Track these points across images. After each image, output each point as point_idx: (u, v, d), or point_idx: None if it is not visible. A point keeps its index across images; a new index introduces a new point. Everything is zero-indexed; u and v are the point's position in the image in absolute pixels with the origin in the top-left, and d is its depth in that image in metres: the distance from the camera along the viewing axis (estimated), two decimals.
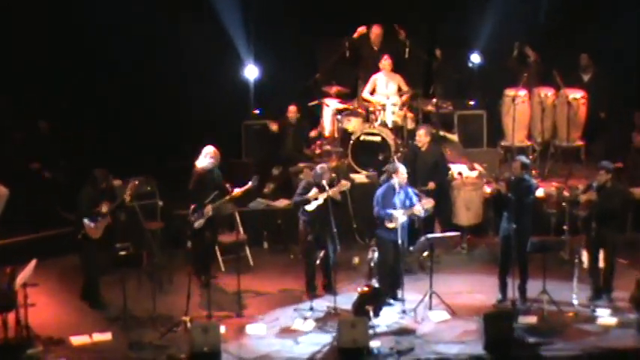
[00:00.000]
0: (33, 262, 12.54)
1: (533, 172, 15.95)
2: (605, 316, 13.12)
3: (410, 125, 16.68)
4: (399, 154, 15.96)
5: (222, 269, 14.75)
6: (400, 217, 13.35)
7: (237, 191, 13.97)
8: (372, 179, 15.94)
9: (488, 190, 15.47)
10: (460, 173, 15.70)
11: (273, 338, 12.76)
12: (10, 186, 14.65)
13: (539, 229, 13.98)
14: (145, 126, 17.12)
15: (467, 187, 15.80)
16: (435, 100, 17.02)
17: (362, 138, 16.31)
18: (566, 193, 14.89)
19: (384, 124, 16.51)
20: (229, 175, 14.63)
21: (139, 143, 16.86)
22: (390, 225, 13.39)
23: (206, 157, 14.12)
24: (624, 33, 17.04)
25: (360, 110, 16.72)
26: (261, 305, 13.69)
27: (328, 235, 13.64)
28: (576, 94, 17.19)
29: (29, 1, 16.80)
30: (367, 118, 16.65)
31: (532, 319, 13.01)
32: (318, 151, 16.86)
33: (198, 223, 13.96)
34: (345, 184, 13.93)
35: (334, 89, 17.01)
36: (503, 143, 17.61)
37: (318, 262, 13.90)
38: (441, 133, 17.10)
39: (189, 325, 12.64)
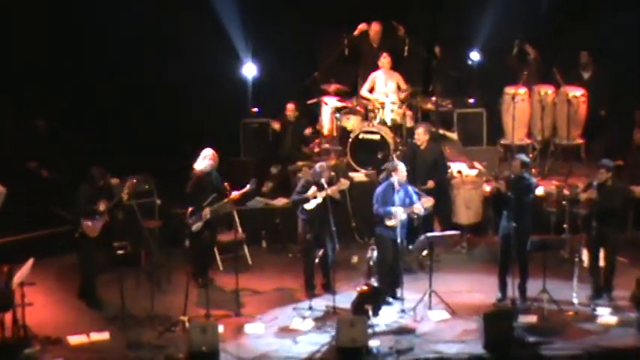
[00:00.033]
0: (30, 261, 12.51)
1: (533, 170, 15.95)
2: (605, 315, 13.09)
3: (409, 123, 16.65)
4: (398, 153, 15.91)
5: (221, 268, 14.71)
6: (400, 214, 13.29)
7: (235, 194, 13.93)
8: (371, 178, 15.90)
9: (487, 188, 15.45)
10: (460, 172, 15.69)
11: (271, 338, 12.73)
12: (8, 184, 14.61)
13: (539, 228, 13.94)
14: (144, 125, 17.10)
15: (466, 186, 15.78)
16: (434, 98, 16.99)
17: (361, 136, 16.27)
18: (566, 192, 14.83)
19: (383, 123, 16.47)
20: (228, 174, 14.58)
21: (139, 143, 16.82)
22: (390, 223, 13.35)
23: (204, 160, 14.07)
24: (624, 30, 17.00)
25: (359, 108, 16.67)
26: (260, 304, 13.65)
27: (327, 234, 13.62)
28: (576, 92, 17.14)
29: (29, 1, 16.79)
30: (366, 117, 16.61)
31: (532, 318, 12.98)
32: (316, 150, 16.82)
33: (196, 227, 13.91)
34: (344, 183, 13.91)
35: (333, 87, 16.96)
36: (502, 141, 17.57)
37: (317, 261, 13.86)
38: (441, 131, 17.06)
39: (187, 324, 12.61)
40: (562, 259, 14.53)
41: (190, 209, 13.93)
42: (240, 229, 14.98)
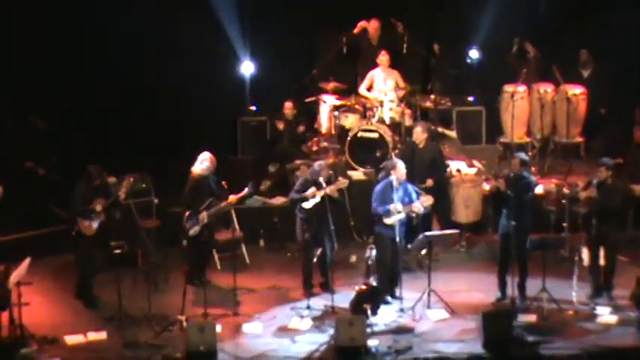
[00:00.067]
0: (27, 261, 12.48)
1: (533, 168, 15.92)
2: (605, 315, 13.06)
3: (408, 122, 16.60)
4: (397, 151, 15.86)
5: (218, 267, 14.68)
6: (398, 209, 13.23)
7: (232, 198, 13.88)
8: (370, 176, 15.85)
9: (487, 187, 15.44)
10: (459, 170, 15.67)
11: (269, 337, 12.70)
12: (8, 184, 14.57)
13: (538, 227, 13.93)
14: (144, 125, 17.08)
15: (465, 185, 15.74)
16: (433, 96, 16.93)
17: (359, 135, 16.22)
18: (565, 190, 14.78)
19: (381, 121, 16.42)
20: (225, 172, 14.54)
21: (139, 143, 16.80)
22: (389, 221, 13.30)
23: (202, 163, 14.02)
24: (624, 28, 16.96)
25: (357, 107, 16.61)
26: (258, 304, 13.61)
27: (326, 233, 13.60)
28: (576, 90, 17.12)
29: (29, 1, 16.78)
30: (364, 115, 16.55)
31: (531, 318, 12.96)
32: (315, 148, 16.76)
33: (193, 231, 13.85)
34: (343, 182, 13.89)
35: (331, 85, 16.90)
36: (502, 140, 17.55)
37: (315, 260, 13.81)
38: (440, 129, 17.02)
39: (184, 324, 12.58)
40: (562, 258, 14.50)
41: (187, 213, 13.88)
42: (237, 228, 14.93)
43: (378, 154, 16.02)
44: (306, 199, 13.66)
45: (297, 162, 16.35)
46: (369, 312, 12.75)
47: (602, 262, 13.57)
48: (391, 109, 16.51)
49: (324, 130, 16.97)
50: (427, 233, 13.55)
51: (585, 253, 13.79)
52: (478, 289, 13.92)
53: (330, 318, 12.89)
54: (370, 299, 12.85)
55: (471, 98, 17.85)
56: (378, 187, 13.59)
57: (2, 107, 16.53)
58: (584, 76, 17.49)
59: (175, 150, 16.40)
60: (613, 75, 17.25)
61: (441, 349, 12.25)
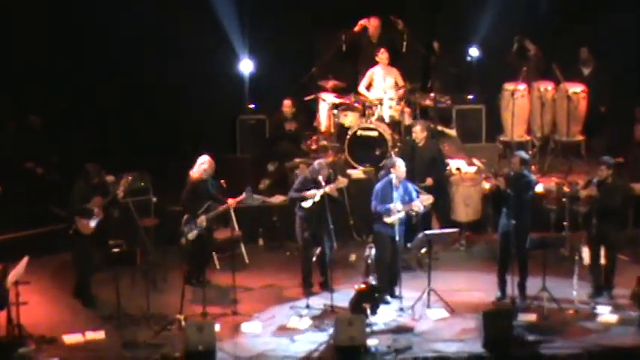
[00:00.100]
0: (25, 260, 12.44)
1: (533, 167, 15.94)
2: (605, 314, 13.03)
3: (407, 120, 16.57)
4: (396, 150, 15.82)
5: (217, 266, 14.66)
6: (399, 210, 13.19)
7: (230, 202, 13.85)
8: (369, 175, 15.82)
9: (487, 185, 15.44)
10: (458, 169, 15.64)
11: (268, 336, 12.67)
12: (7, 184, 14.58)
13: (538, 226, 13.93)
14: (144, 125, 17.10)
15: (465, 183, 15.72)
16: (433, 94, 16.88)
17: (359, 133, 16.18)
18: (566, 189, 14.78)
19: (381, 119, 16.38)
20: (224, 171, 14.50)
21: (139, 143, 16.82)
22: (388, 220, 13.27)
23: (200, 167, 13.98)
24: (624, 26, 16.94)
25: (356, 105, 16.58)
26: (257, 303, 13.59)
27: (325, 232, 13.59)
28: (576, 88, 17.10)
29: (29, 1, 16.79)
30: (364, 113, 16.52)
31: (532, 317, 12.93)
32: (314, 147, 16.73)
33: (192, 235, 13.82)
34: (342, 181, 13.87)
35: (331, 83, 16.86)
36: (502, 138, 17.52)
37: (314, 259, 13.78)
38: (439, 128, 16.97)
39: (183, 323, 12.55)
40: (562, 257, 14.49)
41: (185, 217, 13.84)
42: (236, 227, 14.89)
43: (377, 153, 15.99)
44: (304, 198, 13.62)
45: (297, 160, 16.31)
46: (368, 311, 12.72)
47: (602, 261, 13.55)
48: (391, 108, 16.47)
49: (323, 128, 16.94)
50: (427, 232, 13.51)
51: (586, 252, 13.77)
52: (478, 288, 13.89)
53: (330, 317, 12.86)
54: (370, 298, 12.83)
55: (470, 96, 17.81)
56: (378, 186, 13.56)
57: (2, 107, 16.55)
58: (584, 74, 17.46)
59: (175, 149, 16.41)
60: (613, 73, 17.22)
61: (440, 349, 12.21)
